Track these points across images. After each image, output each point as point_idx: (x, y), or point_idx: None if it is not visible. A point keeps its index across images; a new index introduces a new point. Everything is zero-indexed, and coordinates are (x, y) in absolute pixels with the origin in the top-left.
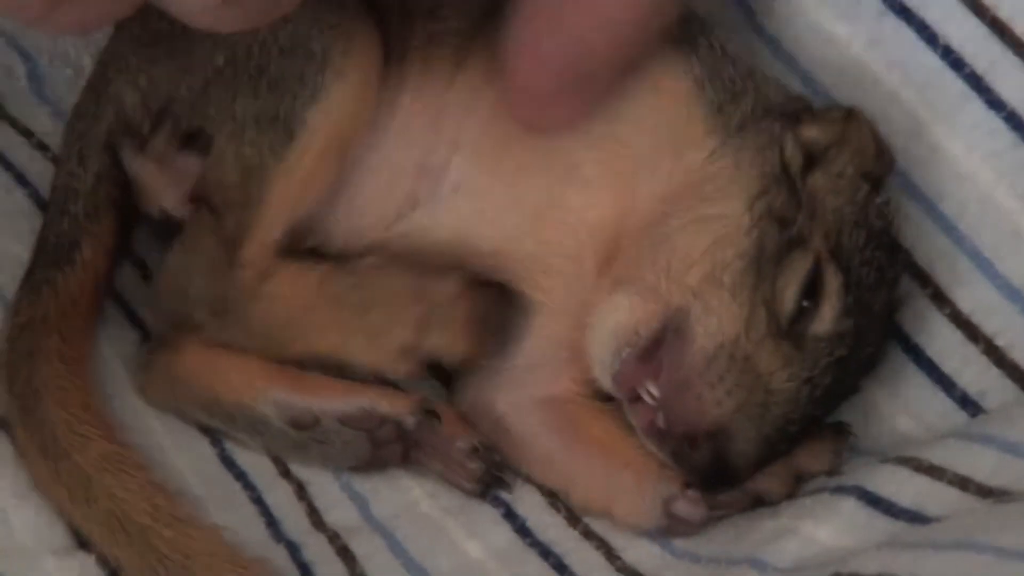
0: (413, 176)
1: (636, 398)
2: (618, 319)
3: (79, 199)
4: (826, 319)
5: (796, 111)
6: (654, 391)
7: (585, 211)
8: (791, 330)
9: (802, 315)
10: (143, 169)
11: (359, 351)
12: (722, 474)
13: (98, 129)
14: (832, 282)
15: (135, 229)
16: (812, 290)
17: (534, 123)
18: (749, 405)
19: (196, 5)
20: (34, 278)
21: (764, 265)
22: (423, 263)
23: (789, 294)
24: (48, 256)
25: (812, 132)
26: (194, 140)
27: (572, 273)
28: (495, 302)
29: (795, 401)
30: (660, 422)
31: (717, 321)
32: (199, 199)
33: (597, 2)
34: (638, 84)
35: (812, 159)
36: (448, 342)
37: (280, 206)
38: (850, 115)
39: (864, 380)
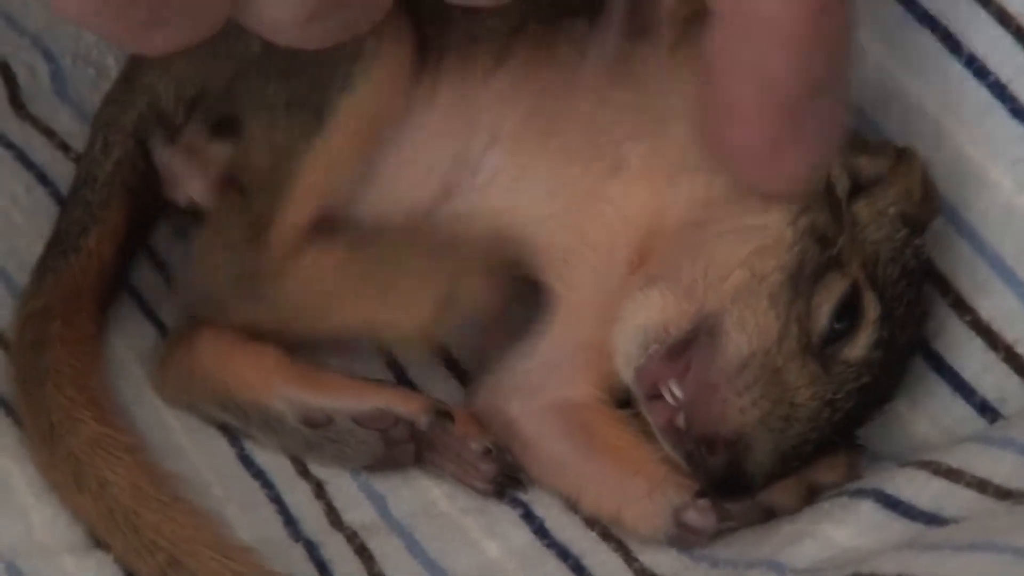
0: (449, 166)
1: (655, 396)
2: (650, 314)
3: (96, 187)
4: (859, 345)
5: (847, 140)
6: (677, 391)
7: (624, 204)
8: (821, 350)
9: (834, 337)
10: (173, 159)
11: (387, 322)
12: (735, 482)
13: (127, 118)
14: (871, 310)
15: (156, 227)
16: (846, 314)
17: (770, 185)
18: (772, 417)
19: (282, 23)
20: (41, 266)
21: (802, 281)
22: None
23: (823, 313)
24: (57, 244)
25: (861, 161)
26: (225, 128)
27: (602, 267)
28: (519, 259)
29: (815, 420)
30: (680, 422)
31: (752, 329)
32: (228, 182)
33: (766, 26)
34: (691, 84)
35: (858, 187)
36: (477, 297)
37: (308, 190)
38: (903, 154)
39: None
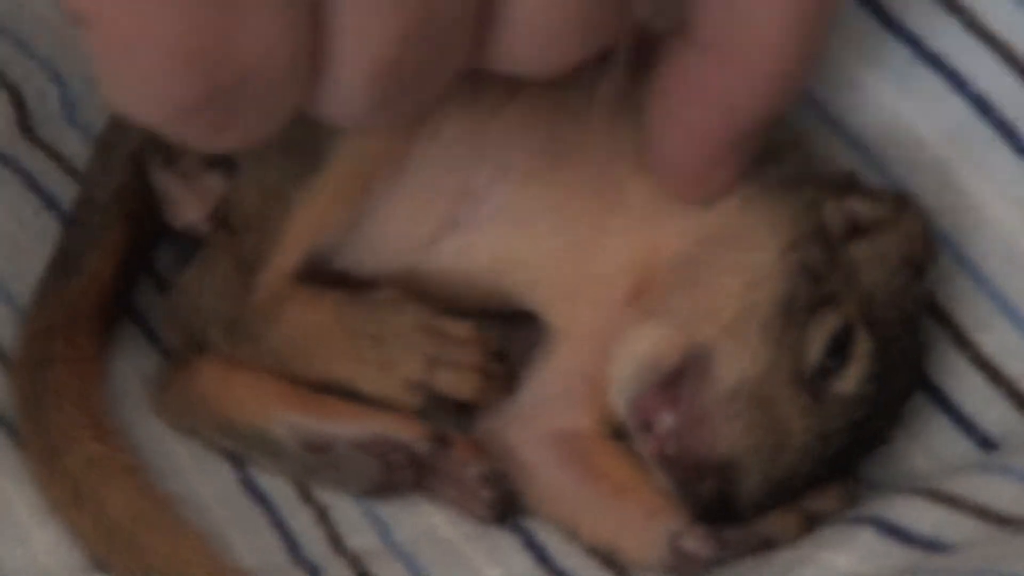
0: (452, 200)
1: (648, 427)
2: (643, 347)
3: (96, 208)
4: (851, 380)
5: (843, 183)
6: (668, 420)
7: (623, 239)
8: (813, 383)
9: (827, 372)
10: (170, 184)
11: (368, 381)
12: (724, 509)
13: (126, 141)
14: (863, 345)
15: (160, 250)
16: (839, 350)
17: (690, 196)
18: (762, 446)
19: (353, 114)
20: (43, 287)
21: (794, 315)
22: (445, 296)
23: (816, 347)
24: (58, 265)
25: (858, 205)
26: (220, 160)
27: (600, 302)
28: (508, 352)
29: (806, 453)
30: (671, 450)
31: (743, 359)
32: (219, 218)
33: (746, 61)
34: None
35: (854, 230)
36: (455, 384)
37: (298, 234)
38: (902, 201)
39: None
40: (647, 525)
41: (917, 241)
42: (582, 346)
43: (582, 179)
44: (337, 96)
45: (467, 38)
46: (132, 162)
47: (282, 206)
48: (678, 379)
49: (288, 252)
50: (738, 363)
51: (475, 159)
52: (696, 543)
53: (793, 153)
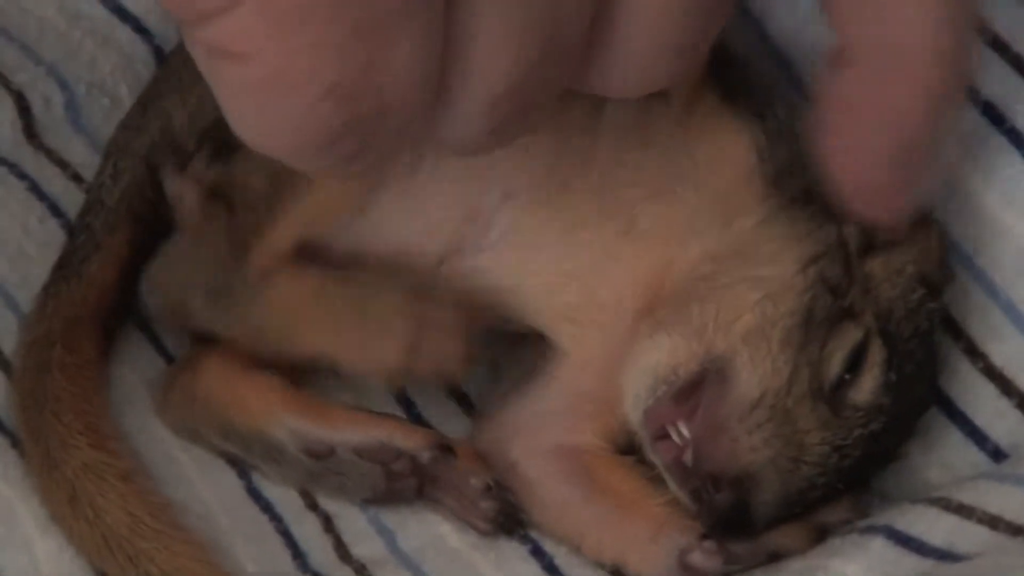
0: (459, 221)
1: (663, 436)
2: (659, 357)
3: (102, 212)
4: (865, 389)
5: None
6: (684, 431)
7: (633, 263)
8: (832, 396)
9: (844, 384)
10: (182, 188)
11: (348, 356)
12: (740, 521)
13: (140, 143)
14: (877, 354)
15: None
16: (856, 362)
17: (892, 214)
18: (781, 458)
19: (466, 142)
20: (44, 292)
21: (813, 328)
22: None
23: (835, 360)
24: (60, 270)
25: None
26: (223, 152)
27: (608, 324)
28: (487, 343)
29: (824, 465)
30: (687, 459)
31: (763, 370)
32: (216, 195)
33: (906, 72)
34: (703, 147)
35: (872, 244)
36: (434, 368)
37: (297, 220)
38: (921, 219)
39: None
40: (654, 540)
41: (934, 261)
42: (589, 367)
43: (591, 205)
44: (457, 123)
45: (575, 63)
46: (143, 166)
47: (287, 192)
48: (695, 390)
49: (284, 234)
50: (759, 374)
51: (481, 184)
52: (704, 558)
53: (808, 167)
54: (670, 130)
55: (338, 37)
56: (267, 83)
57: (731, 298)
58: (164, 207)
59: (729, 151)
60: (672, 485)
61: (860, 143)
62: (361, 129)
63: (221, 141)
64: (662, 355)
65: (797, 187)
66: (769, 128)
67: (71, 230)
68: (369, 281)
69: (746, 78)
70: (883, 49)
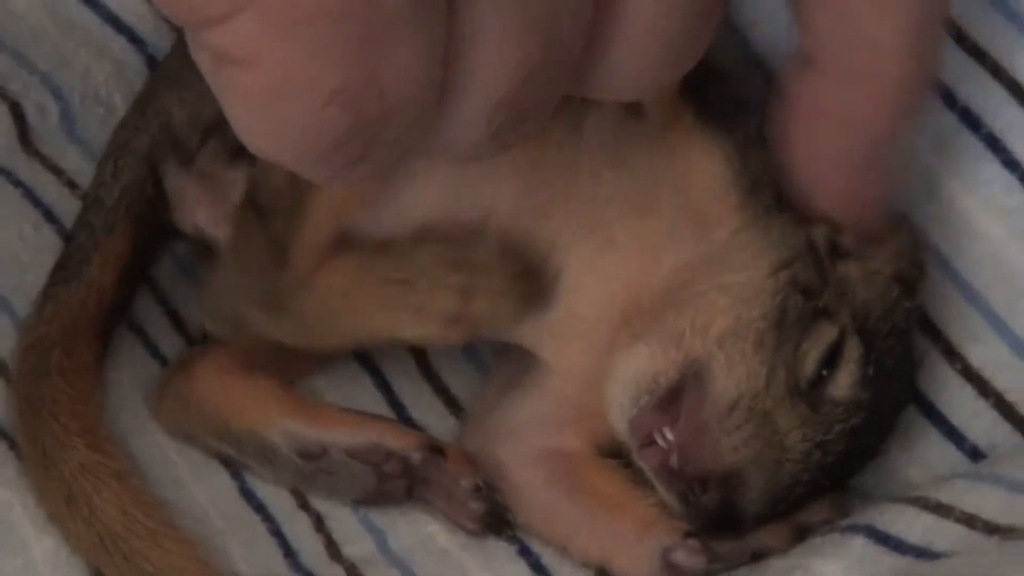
0: (450, 227)
1: (649, 443)
2: (639, 367)
3: (102, 212)
4: (843, 384)
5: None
6: (669, 436)
7: (613, 278)
8: (809, 394)
9: (821, 382)
10: (184, 184)
11: (407, 326)
12: (727, 519)
13: (140, 141)
14: (853, 350)
15: (158, 262)
16: (833, 359)
17: (850, 215)
18: (764, 457)
19: (467, 146)
20: (43, 295)
21: (787, 329)
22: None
23: (811, 358)
24: (59, 271)
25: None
26: (242, 155)
27: (589, 337)
28: (533, 267)
29: (806, 462)
30: (673, 463)
31: (740, 372)
32: (246, 203)
33: (872, 80)
34: (679, 164)
35: (846, 248)
36: (492, 306)
37: (326, 210)
38: (892, 220)
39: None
40: (638, 540)
41: (907, 260)
42: (572, 376)
43: (569, 222)
44: (458, 128)
45: (573, 69)
46: (143, 164)
47: (307, 185)
48: (676, 396)
49: (318, 226)
50: (735, 377)
51: (469, 198)
52: (687, 556)
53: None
54: (647, 149)
55: (342, 43)
56: (272, 89)
57: (705, 305)
58: (164, 206)
59: (703, 167)
60: (660, 489)
61: (824, 146)
62: (365, 134)
63: (234, 141)
64: (642, 364)
65: (770, 196)
66: (742, 141)
67: (68, 233)
68: (403, 243)
69: (721, 92)
70: (851, 55)
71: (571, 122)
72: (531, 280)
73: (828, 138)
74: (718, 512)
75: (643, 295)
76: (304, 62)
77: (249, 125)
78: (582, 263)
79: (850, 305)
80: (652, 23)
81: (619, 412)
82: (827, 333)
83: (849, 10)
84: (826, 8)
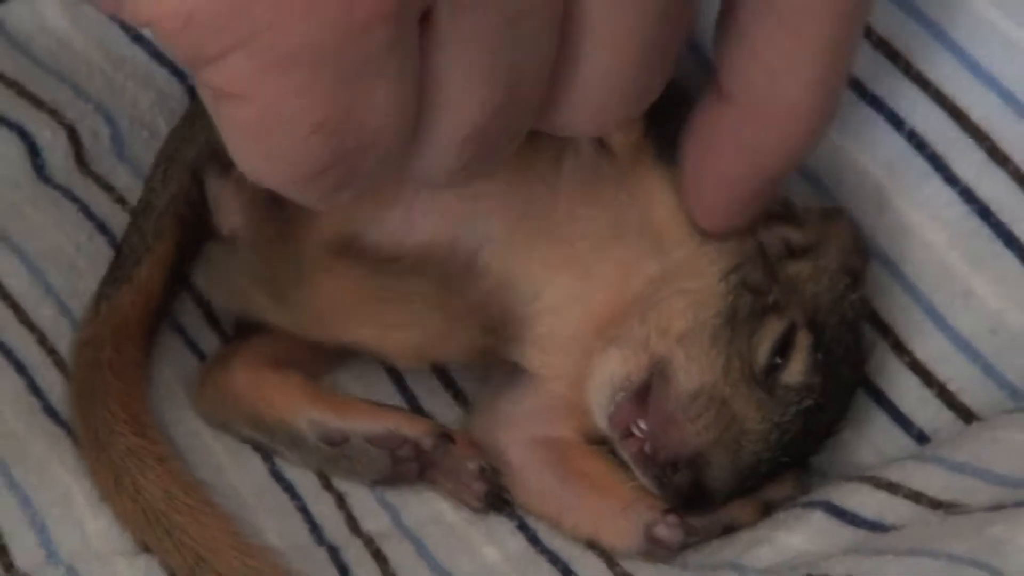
0: (448, 246)
1: (628, 435)
2: (613, 369)
3: (152, 215)
4: (795, 371)
5: (779, 212)
6: (643, 426)
7: (589, 301)
8: (765, 380)
9: (775, 369)
10: (222, 190)
11: (389, 342)
12: (698, 496)
13: (187, 152)
14: (803, 340)
15: (196, 266)
16: (785, 348)
17: (717, 231)
18: (725, 439)
19: (439, 175)
20: (98, 295)
21: (739, 324)
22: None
23: (763, 349)
24: (114, 272)
25: (794, 234)
26: None
27: (569, 350)
28: (505, 323)
29: (766, 441)
30: (647, 449)
31: (697, 366)
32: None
33: (777, 120)
34: (642, 199)
35: (791, 252)
36: (459, 353)
37: (337, 212)
38: (831, 215)
39: (827, 444)
40: (623, 516)
41: (850, 250)
42: (558, 382)
43: (551, 255)
44: (431, 158)
45: (537, 109)
46: (188, 173)
47: None
48: (647, 391)
49: (327, 224)
50: (694, 370)
51: (462, 219)
52: (667, 530)
53: None
54: (615, 187)
55: (322, 81)
56: (261, 121)
57: (665, 310)
58: (206, 211)
59: (663, 199)
60: (638, 474)
61: (719, 167)
62: (346, 162)
63: None
64: (615, 367)
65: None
66: None
67: (121, 239)
68: (405, 272)
69: (677, 127)
70: (761, 99)
71: (550, 165)
72: (501, 332)
73: (727, 164)
74: (689, 490)
75: (615, 310)
76: (289, 98)
77: (243, 153)
78: (561, 290)
79: (800, 299)
80: (609, 68)
81: (599, 410)
82: (776, 326)
83: (766, 61)
84: (745, 54)
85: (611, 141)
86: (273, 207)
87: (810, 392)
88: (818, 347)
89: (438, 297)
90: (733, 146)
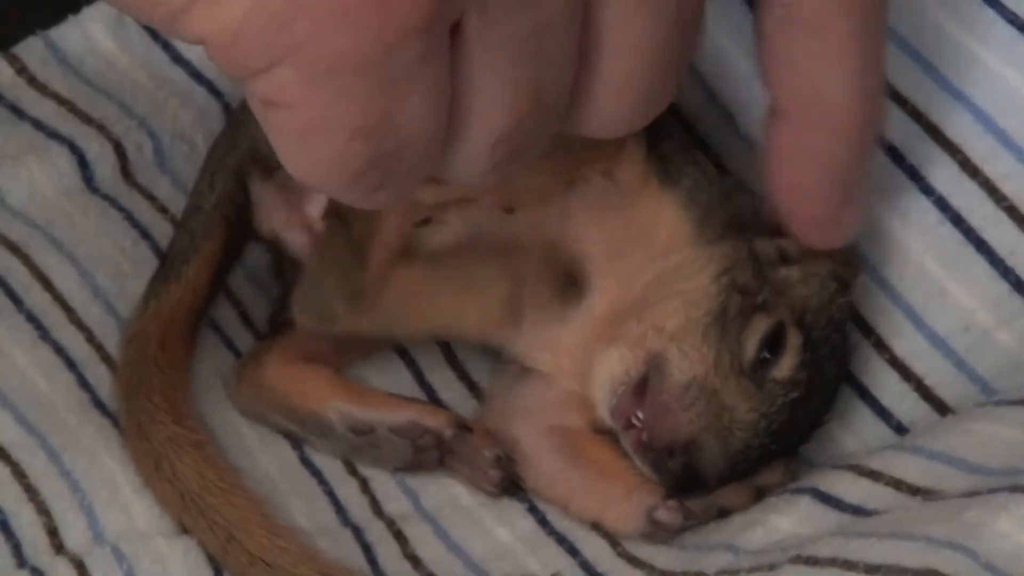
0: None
1: (629, 426)
2: (612, 365)
3: (200, 216)
4: (784, 367)
5: (772, 224)
6: (641, 416)
7: (595, 310)
8: (753, 374)
9: (764, 363)
10: (265, 192)
11: (471, 316)
12: (692, 480)
13: (232, 158)
14: (794, 340)
15: (233, 270)
16: (773, 346)
17: (833, 239)
18: (716, 427)
19: (472, 176)
20: (148, 292)
21: (729, 322)
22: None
23: (751, 344)
24: (163, 270)
25: (791, 245)
26: None
27: (577, 351)
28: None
29: (755, 430)
30: (644, 438)
31: (689, 360)
32: (331, 212)
33: (831, 121)
34: (644, 217)
35: (784, 259)
36: (536, 299)
37: (395, 218)
38: None
39: (815, 434)
40: (627, 501)
41: (841, 262)
42: (566, 379)
43: (550, 271)
44: (464, 160)
45: (562, 113)
46: (234, 177)
47: None
48: (644, 384)
49: (390, 229)
50: (687, 364)
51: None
52: (668, 514)
53: (727, 205)
54: (621, 213)
55: (362, 89)
56: (306, 127)
57: (660, 310)
58: (250, 213)
59: (668, 218)
60: (637, 462)
61: (799, 183)
62: (384, 164)
63: None
64: (616, 364)
65: (718, 221)
66: (689, 186)
67: (168, 242)
68: (466, 253)
69: (673, 148)
70: (811, 107)
71: (562, 191)
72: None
73: (800, 175)
74: (683, 475)
75: (616, 314)
76: (332, 105)
77: (290, 157)
78: (557, 310)
79: (789, 301)
80: (629, 74)
81: (602, 404)
82: (763, 323)
83: (801, 68)
84: (781, 67)
85: (617, 171)
86: (338, 224)
87: (796, 386)
88: (807, 345)
89: (499, 270)
90: (803, 158)
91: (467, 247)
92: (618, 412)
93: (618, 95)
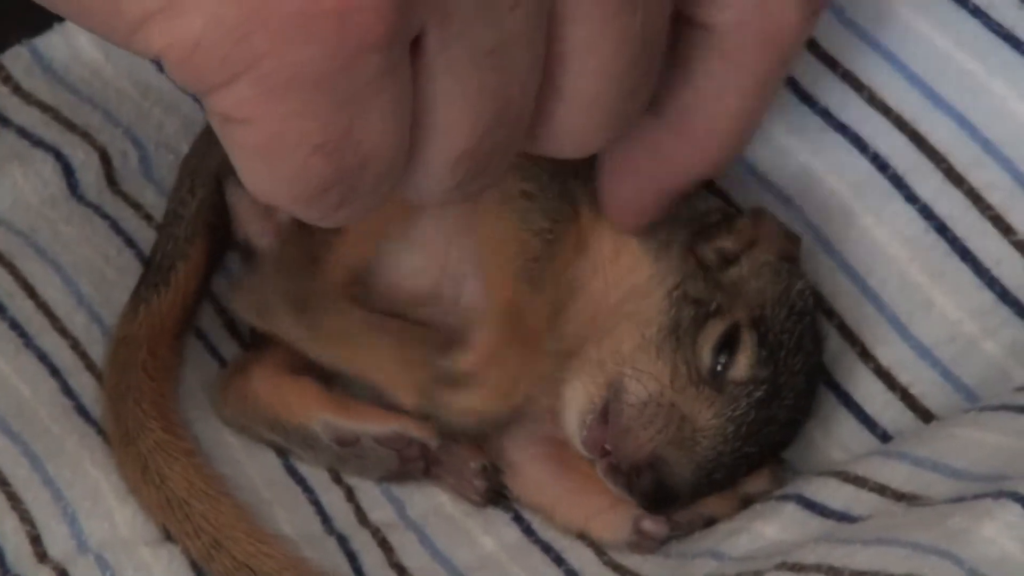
0: (436, 277)
1: (604, 453)
2: (577, 397)
3: (183, 223)
4: (741, 367)
5: (709, 225)
6: (607, 440)
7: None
8: (713, 380)
9: (722, 366)
10: (240, 200)
11: (382, 381)
12: (665, 494)
13: (209, 164)
14: (747, 338)
15: (216, 276)
16: (730, 348)
17: (626, 227)
18: (678, 439)
19: (433, 194)
20: (135, 297)
21: (683, 334)
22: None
23: (706, 350)
24: (150, 276)
25: (727, 243)
26: None
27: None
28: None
29: (723, 435)
30: (613, 460)
31: (644, 379)
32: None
33: (699, 138)
34: (601, 259)
35: (727, 260)
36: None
37: (354, 238)
38: (756, 217)
39: (796, 433)
40: (613, 511)
41: (778, 241)
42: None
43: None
44: (426, 177)
45: (526, 131)
46: (213, 181)
47: None
48: (607, 410)
49: (349, 250)
50: (641, 383)
51: (449, 252)
52: (653, 524)
53: (681, 212)
54: (579, 252)
55: (321, 105)
56: (266, 143)
57: (616, 333)
58: (229, 220)
59: (628, 250)
60: (610, 487)
61: (640, 171)
62: (345, 181)
63: None
64: (580, 395)
65: (674, 249)
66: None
67: (153, 246)
68: (402, 321)
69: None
70: (687, 118)
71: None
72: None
73: (642, 168)
74: (654, 491)
75: (583, 335)
76: (291, 121)
77: (250, 173)
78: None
79: (746, 299)
80: (594, 93)
81: (574, 437)
82: (716, 328)
83: (699, 86)
84: (680, 76)
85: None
86: (301, 230)
87: (760, 384)
88: (763, 341)
89: (428, 336)
90: (651, 153)
91: (405, 301)
92: (589, 442)
93: (583, 114)
